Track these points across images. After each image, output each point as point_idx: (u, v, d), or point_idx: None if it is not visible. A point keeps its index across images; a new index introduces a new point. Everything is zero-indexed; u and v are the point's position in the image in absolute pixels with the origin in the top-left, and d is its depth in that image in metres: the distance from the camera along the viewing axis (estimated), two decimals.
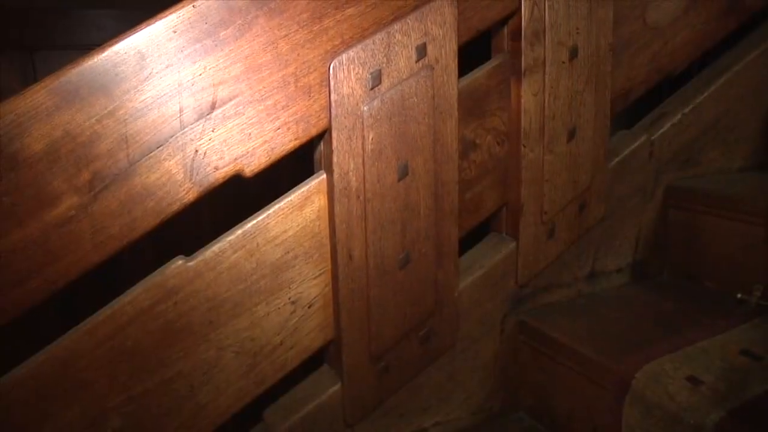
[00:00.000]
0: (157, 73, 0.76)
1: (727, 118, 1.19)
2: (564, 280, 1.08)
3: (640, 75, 1.10)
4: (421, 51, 0.88)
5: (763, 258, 1.03)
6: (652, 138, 1.11)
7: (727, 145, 1.20)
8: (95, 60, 0.74)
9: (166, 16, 0.76)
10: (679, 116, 1.13)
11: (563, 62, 0.99)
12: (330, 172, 0.86)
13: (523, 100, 0.97)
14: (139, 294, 0.80)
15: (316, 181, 0.87)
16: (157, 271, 0.82)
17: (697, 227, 1.11)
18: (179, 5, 0.77)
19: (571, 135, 1.01)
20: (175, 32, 0.76)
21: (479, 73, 0.96)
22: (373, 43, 0.85)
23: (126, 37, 0.75)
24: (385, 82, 0.86)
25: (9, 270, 0.73)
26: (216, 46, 0.78)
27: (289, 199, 0.86)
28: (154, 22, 0.76)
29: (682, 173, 1.16)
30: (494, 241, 1.03)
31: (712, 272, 1.09)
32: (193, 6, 0.77)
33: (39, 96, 0.72)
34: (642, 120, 1.15)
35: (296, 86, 0.82)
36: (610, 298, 1.09)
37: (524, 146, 0.98)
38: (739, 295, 1.03)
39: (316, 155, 0.88)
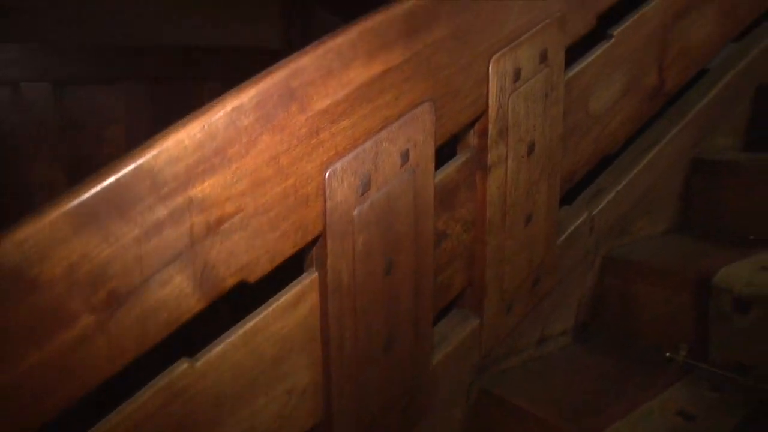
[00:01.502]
0: (170, 192, 0.80)
1: (653, 191, 1.34)
2: (519, 347, 1.19)
3: (584, 158, 1.23)
4: (405, 156, 0.96)
5: (686, 321, 1.18)
6: (592, 214, 1.24)
7: (653, 214, 1.35)
8: (111, 181, 0.77)
9: (179, 133, 0.80)
10: (614, 193, 1.27)
11: (523, 156, 1.09)
12: (323, 271, 0.92)
13: (488, 193, 1.06)
14: (148, 398, 0.83)
15: (309, 280, 0.93)
16: (164, 373, 0.85)
17: (630, 293, 1.25)
18: (189, 125, 0.81)
19: (528, 220, 1.12)
20: (186, 151, 0.80)
21: (450, 169, 1.05)
22: (364, 152, 0.92)
23: (140, 157, 0.78)
24: (374, 188, 0.93)
25: (25, 390, 0.75)
26: (223, 163, 0.83)
27: (285, 297, 0.91)
28: (164, 143, 0.79)
29: (617, 242, 1.30)
30: (459, 318, 1.12)
31: (645, 332, 1.24)
32: (203, 127, 0.81)
33: (58, 222, 0.74)
34: (582, 194, 1.28)
35: (295, 197, 0.88)
36: (559, 361, 1.21)
37: (488, 233, 1.08)
38: (667, 354, 1.18)
39: (309, 255, 0.94)
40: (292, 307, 0.92)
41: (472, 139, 1.07)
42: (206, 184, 0.82)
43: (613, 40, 1.24)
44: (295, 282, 0.93)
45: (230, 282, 0.86)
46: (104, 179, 0.77)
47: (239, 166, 0.84)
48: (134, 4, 2.46)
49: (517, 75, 1.07)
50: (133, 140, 2.47)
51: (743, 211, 1.36)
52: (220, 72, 2.61)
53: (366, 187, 0.93)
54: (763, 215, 1.33)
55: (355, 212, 0.92)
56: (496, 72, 1.04)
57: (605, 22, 1.25)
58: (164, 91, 2.53)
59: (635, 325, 1.25)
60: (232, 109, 0.83)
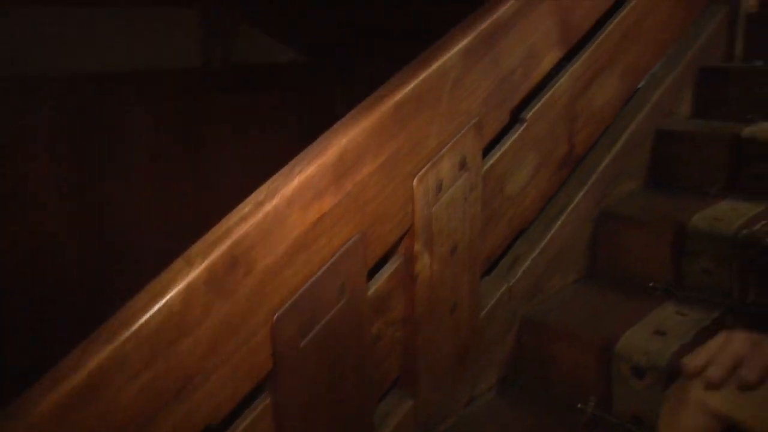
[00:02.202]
0: (138, 372, 0.89)
1: (564, 251, 1.49)
2: (451, 412, 1.35)
3: (500, 239, 1.36)
4: (341, 288, 1.07)
5: (593, 378, 1.35)
6: (510, 285, 1.39)
7: (564, 270, 1.51)
8: (84, 376, 0.86)
9: (141, 318, 0.89)
10: (529, 262, 1.41)
11: (446, 258, 1.22)
12: (275, 396, 1.04)
13: (416, 295, 1.19)
14: None
15: (263, 405, 1.04)
16: None
17: (544, 350, 1.42)
18: (149, 309, 0.90)
19: (453, 309, 1.26)
20: (149, 333, 0.90)
21: (381, 280, 1.16)
22: (305, 294, 1.03)
23: (110, 343, 0.87)
24: (316, 320, 1.05)
25: None
26: (182, 336, 0.93)
27: (243, 424, 1.03)
28: (129, 329, 0.88)
29: (533, 302, 1.45)
30: (397, 399, 1.25)
31: (559, 385, 1.41)
32: (161, 310, 0.90)
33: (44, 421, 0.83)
34: (500, 264, 1.42)
35: (248, 347, 0.98)
36: (485, 417, 1.37)
37: (418, 328, 1.21)
38: (579, 406, 1.36)
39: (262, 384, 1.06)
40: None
41: (400, 250, 1.18)
42: (170, 355, 0.92)
43: (525, 123, 1.36)
44: (251, 408, 1.05)
45: (200, 427, 0.97)
46: (77, 374, 0.86)
47: (196, 335, 0.94)
48: (48, 33, 2.40)
49: (439, 187, 1.18)
50: (56, 173, 2.46)
51: (642, 258, 1.53)
52: (142, 95, 2.60)
53: (310, 322, 1.04)
54: (660, 263, 1.50)
55: (302, 345, 1.04)
56: (420, 189, 1.15)
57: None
58: (88, 120, 2.51)
59: (551, 378, 1.42)
60: (186, 287, 0.92)
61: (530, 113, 1.37)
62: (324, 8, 2.50)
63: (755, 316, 1.37)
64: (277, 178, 1.02)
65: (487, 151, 1.32)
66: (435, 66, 1.17)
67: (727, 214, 1.49)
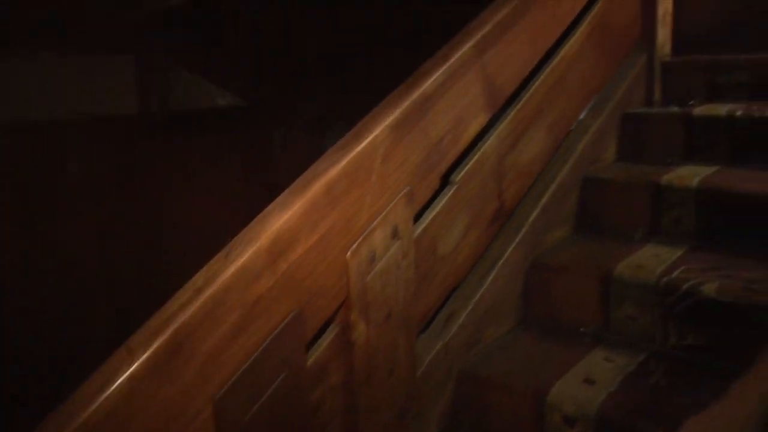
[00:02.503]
0: None
1: (497, 304, 1.56)
2: None
3: (434, 298, 1.42)
4: (281, 363, 1.12)
5: (528, 426, 1.42)
6: (446, 341, 1.45)
7: (497, 322, 1.58)
8: None
9: (82, 413, 0.93)
10: (463, 317, 1.48)
11: (381, 324, 1.27)
12: None
13: (354, 361, 1.24)
14: None
15: None
16: None
17: (480, 401, 1.48)
18: (95, 403, 0.93)
19: (390, 373, 1.32)
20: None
21: (320, 349, 1.21)
22: (246, 374, 1.07)
23: None
24: (259, 397, 1.09)
25: None
26: (130, 422, 0.96)
27: None
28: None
29: (469, 354, 1.52)
30: None
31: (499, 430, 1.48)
32: (102, 404, 0.94)
33: None
34: (436, 320, 1.48)
35: (192, 428, 1.02)
36: None
37: (357, 392, 1.26)
38: None
39: None
40: None
41: (338, 319, 1.23)
42: None
43: (456, 186, 1.43)
44: None
45: None
46: None
47: (141, 420, 0.97)
48: None
49: (372, 258, 1.24)
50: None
51: (572, 306, 1.61)
52: (80, 142, 2.60)
53: (252, 399, 1.08)
54: (589, 310, 1.58)
55: (245, 420, 1.08)
56: (354, 262, 1.21)
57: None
58: (27, 167, 2.51)
59: (488, 428, 1.48)
60: (129, 378, 0.96)
61: (460, 175, 1.44)
62: (260, 53, 2.55)
63: (676, 360, 1.46)
64: (214, 263, 1.07)
65: (420, 214, 1.38)
66: (365, 143, 1.23)
67: (649, 261, 1.58)
